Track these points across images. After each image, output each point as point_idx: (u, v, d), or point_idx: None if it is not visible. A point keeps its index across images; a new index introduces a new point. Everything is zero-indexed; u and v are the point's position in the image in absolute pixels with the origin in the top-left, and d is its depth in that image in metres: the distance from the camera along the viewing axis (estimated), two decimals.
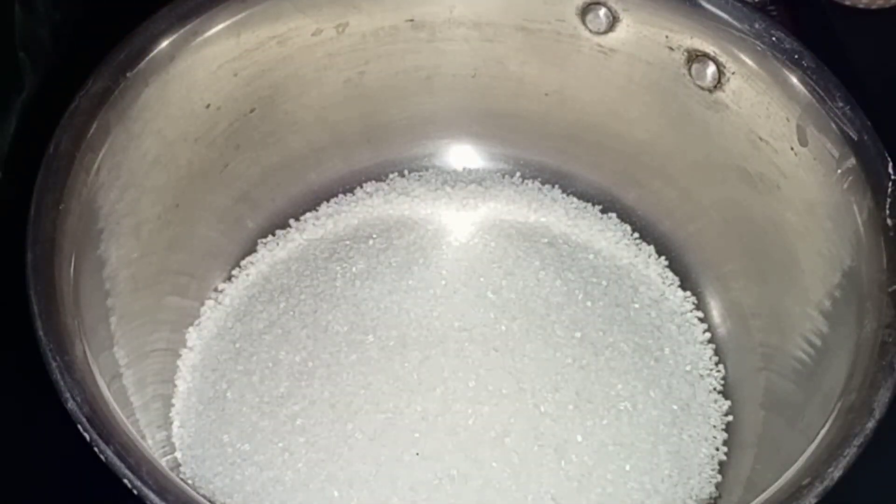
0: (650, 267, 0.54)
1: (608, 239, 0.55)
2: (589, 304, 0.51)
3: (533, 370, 0.48)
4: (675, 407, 0.48)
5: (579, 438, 0.46)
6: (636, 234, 0.55)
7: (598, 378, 0.48)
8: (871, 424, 0.38)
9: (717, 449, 0.48)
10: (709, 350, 0.51)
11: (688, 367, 0.50)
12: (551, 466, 0.45)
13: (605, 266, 0.54)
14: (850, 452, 0.37)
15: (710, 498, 0.47)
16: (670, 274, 0.54)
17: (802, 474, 0.37)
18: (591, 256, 0.54)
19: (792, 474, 0.37)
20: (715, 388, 0.50)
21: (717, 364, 0.51)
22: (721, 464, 0.48)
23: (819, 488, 0.36)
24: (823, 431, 0.38)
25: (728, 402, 0.49)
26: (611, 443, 0.46)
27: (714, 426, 0.49)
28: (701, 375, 0.50)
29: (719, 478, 0.47)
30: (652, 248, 0.55)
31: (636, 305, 0.52)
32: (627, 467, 0.46)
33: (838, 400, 0.39)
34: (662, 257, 0.54)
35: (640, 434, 0.47)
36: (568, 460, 0.45)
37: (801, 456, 0.38)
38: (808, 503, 0.36)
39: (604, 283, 0.52)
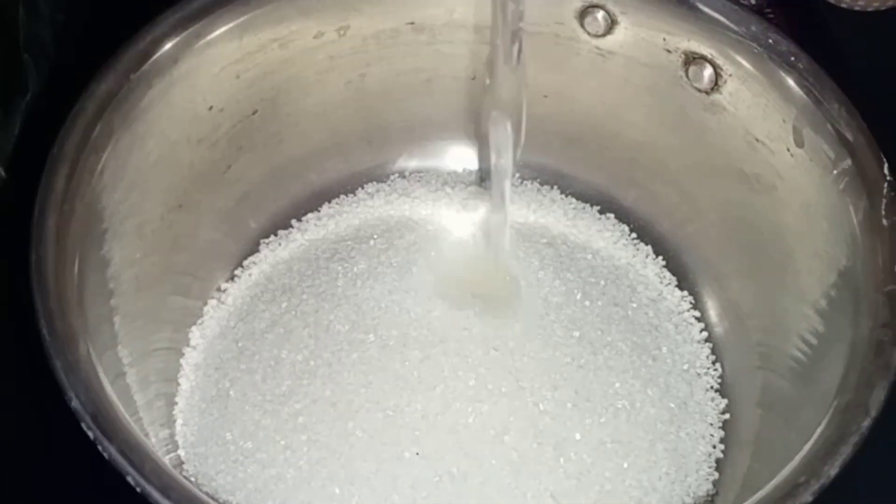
0: (648, 267, 0.54)
1: (606, 239, 0.55)
2: (587, 303, 0.51)
3: (532, 369, 0.48)
4: (672, 405, 0.49)
5: (578, 436, 0.46)
6: (634, 235, 0.55)
7: (596, 377, 0.48)
8: (866, 423, 0.38)
9: (715, 447, 0.48)
10: (706, 349, 0.52)
11: (685, 366, 0.51)
12: (550, 464, 0.45)
13: (603, 266, 0.54)
14: (846, 451, 0.37)
15: (708, 495, 0.47)
16: (668, 274, 0.54)
17: (799, 472, 0.37)
18: (589, 256, 0.54)
19: (788, 472, 0.38)
20: (712, 387, 0.50)
21: (714, 363, 0.51)
22: (718, 461, 0.48)
23: (815, 486, 0.36)
24: (820, 430, 0.38)
25: (725, 401, 0.50)
26: (609, 440, 0.46)
27: (711, 424, 0.49)
28: (698, 374, 0.51)
29: (717, 475, 0.47)
30: (650, 248, 0.55)
31: (634, 305, 0.52)
32: (625, 465, 0.46)
33: (834, 398, 0.39)
34: (660, 257, 0.54)
35: (637, 432, 0.47)
36: (567, 458, 0.46)
37: (797, 454, 0.38)
38: (804, 501, 0.36)
39: (602, 282, 0.53)
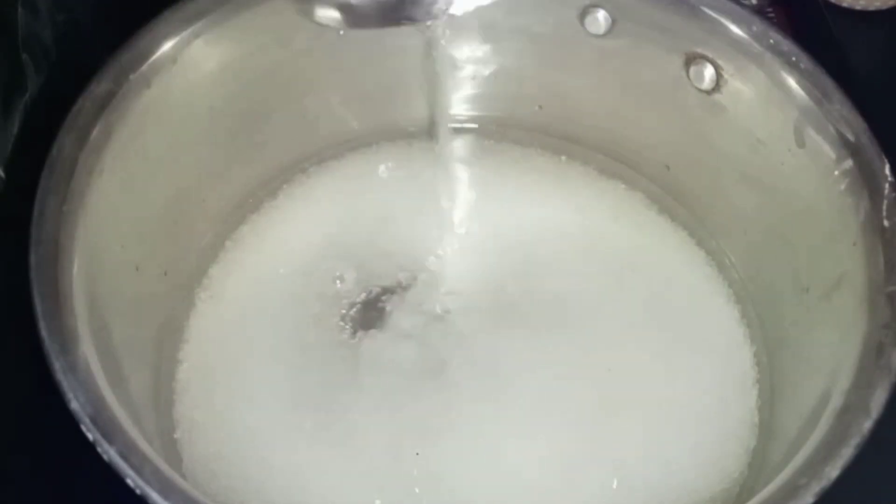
0: (652, 256, 0.54)
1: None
2: (592, 298, 0.52)
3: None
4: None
5: None
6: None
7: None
8: (867, 424, 0.38)
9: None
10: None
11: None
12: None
13: (609, 261, 0.54)
14: (847, 452, 0.37)
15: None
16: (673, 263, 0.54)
17: (800, 474, 0.37)
18: (590, 254, 0.54)
19: (789, 474, 0.37)
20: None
21: None
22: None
23: (816, 488, 0.36)
24: (821, 431, 0.39)
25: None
26: None
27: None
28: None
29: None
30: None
31: (650, 290, 0.52)
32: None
33: (835, 399, 0.40)
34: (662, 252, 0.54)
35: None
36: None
37: (797, 455, 0.38)
38: (805, 502, 0.36)
39: (610, 277, 0.53)
